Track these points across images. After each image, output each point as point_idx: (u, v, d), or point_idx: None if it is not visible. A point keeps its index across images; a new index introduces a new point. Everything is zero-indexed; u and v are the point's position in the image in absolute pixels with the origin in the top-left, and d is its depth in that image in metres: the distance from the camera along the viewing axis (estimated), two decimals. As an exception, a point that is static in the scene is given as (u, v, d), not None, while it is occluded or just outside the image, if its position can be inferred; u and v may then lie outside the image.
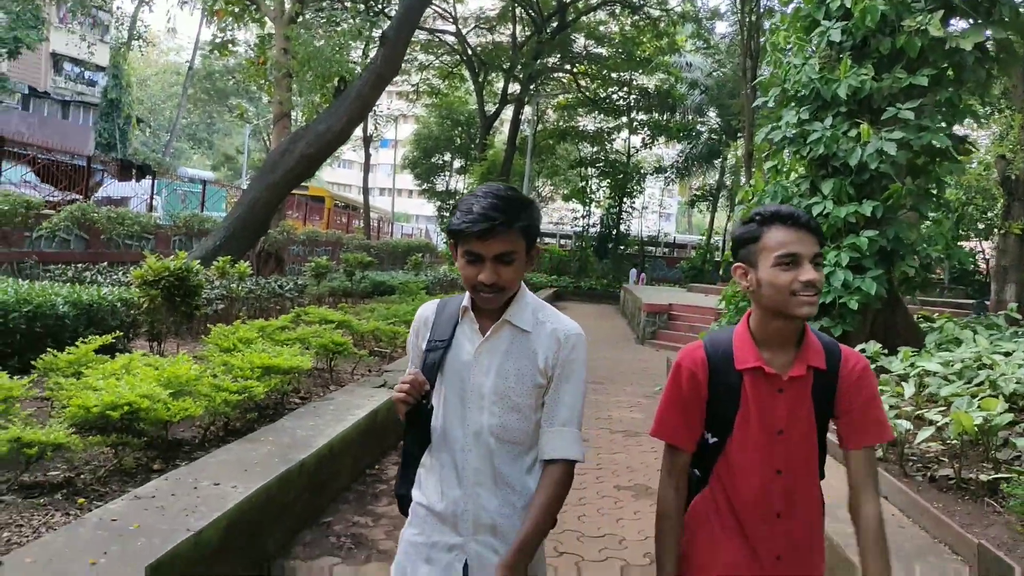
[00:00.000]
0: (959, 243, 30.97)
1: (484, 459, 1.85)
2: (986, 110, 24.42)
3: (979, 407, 4.63)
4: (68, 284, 7.65)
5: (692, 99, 34.65)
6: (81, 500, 3.55)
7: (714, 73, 33.65)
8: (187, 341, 7.87)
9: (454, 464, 1.87)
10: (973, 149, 8.07)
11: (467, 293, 1.92)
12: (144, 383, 4.26)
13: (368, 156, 34.15)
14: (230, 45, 23.55)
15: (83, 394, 3.99)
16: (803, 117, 7.70)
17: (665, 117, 34.75)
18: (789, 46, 8.19)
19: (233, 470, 3.93)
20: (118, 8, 28.63)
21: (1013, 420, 4.99)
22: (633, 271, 33.39)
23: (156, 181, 19.25)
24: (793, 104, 8.02)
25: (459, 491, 1.86)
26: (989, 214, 26.70)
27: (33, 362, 5.08)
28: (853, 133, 7.43)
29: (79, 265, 10.40)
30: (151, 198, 17.89)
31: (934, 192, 7.98)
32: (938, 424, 4.62)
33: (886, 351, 6.99)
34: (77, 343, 5.35)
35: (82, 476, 3.88)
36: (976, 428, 4.34)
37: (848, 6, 7.52)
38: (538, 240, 1.91)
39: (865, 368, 1.85)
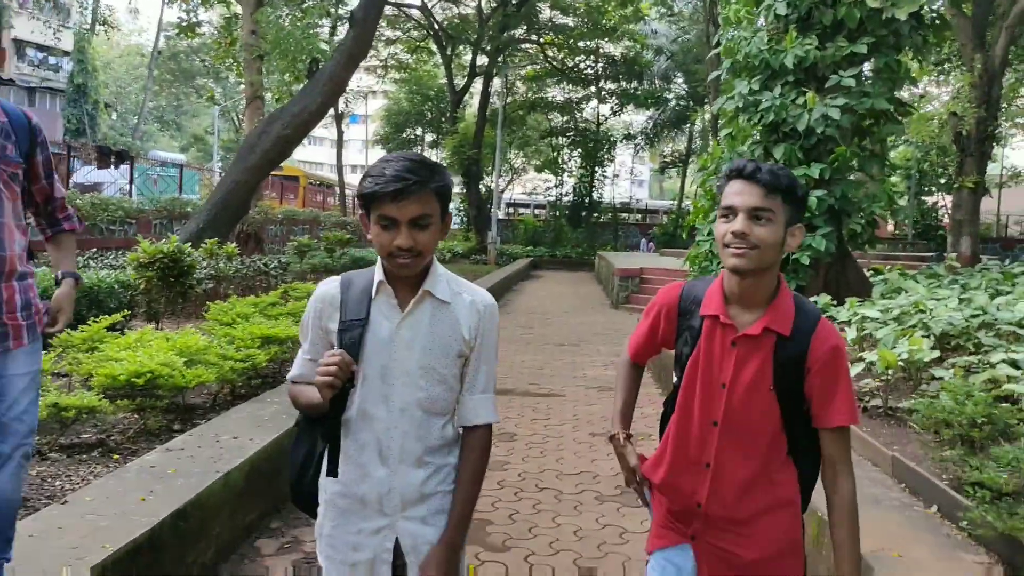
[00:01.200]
0: (922, 198, 31.66)
1: (410, 434, 1.84)
2: (943, 68, 25.11)
3: (907, 345, 5.23)
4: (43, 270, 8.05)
5: (659, 66, 35.09)
6: (116, 456, 4.04)
7: (679, 39, 34.04)
8: (183, 319, 8.31)
9: (377, 444, 1.84)
10: (913, 110, 8.66)
11: (375, 268, 1.88)
12: (160, 354, 4.73)
13: (341, 134, 34.24)
14: (196, 28, 23.63)
15: (108, 364, 4.47)
16: (754, 87, 8.22)
17: (633, 85, 35.16)
18: (739, 21, 8.67)
19: (248, 426, 4.43)
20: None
21: (940, 356, 5.61)
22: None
23: (134, 166, 19.43)
24: (745, 74, 8.53)
25: (384, 470, 1.84)
26: (949, 170, 27.47)
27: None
28: (800, 100, 7.97)
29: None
30: (131, 183, 18.10)
31: (878, 153, 8.56)
32: (868, 361, 5.20)
33: (836, 302, 7.59)
34: (82, 324, 5.79)
35: (112, 437, 4.36)
36: (901, 363, 4.93)
37: (793, -20, 8.03)
38: (450, 206, 1.88)
39: (836, 348, 1.83)
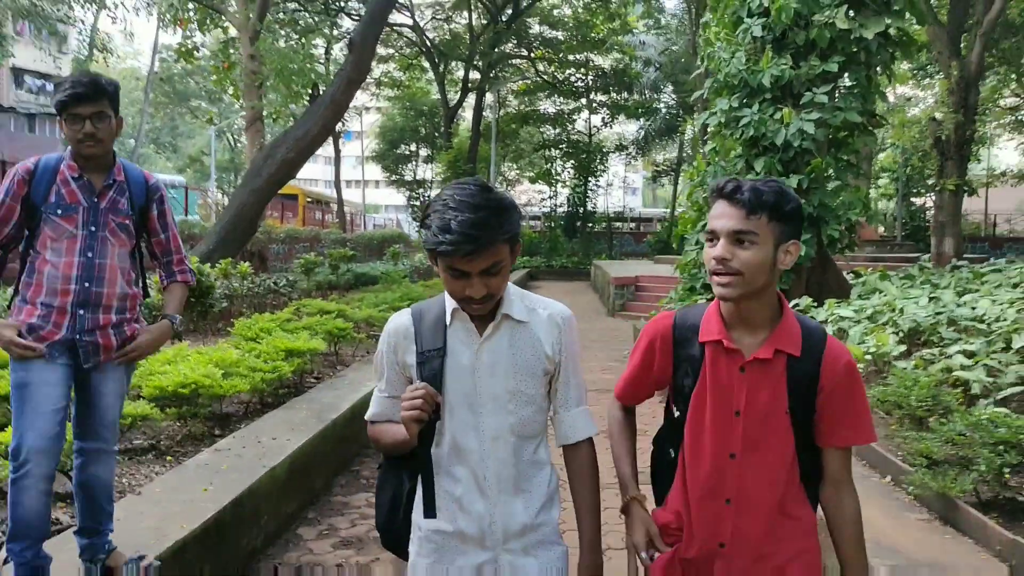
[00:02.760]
0: (911, 199, 32.13)
1: (505, 462, 1.79)
2: (927, 72, 25.73)
3: (875, 341, 5.76)
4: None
5: (648, 77, 35.73)
6: (168, 458, 4.55)
7: (667, 51, 34.71)
8: (204, 336, 8.81)
9: (473, 476, 1.79)
10: (885, 122, 9.21)
11: (445, 295, 1.83)
12: (200, 367, 5.24)
13: (338, 152, 34.82)
14: (195, 52, 24.18)
15: (155, 377, 4.97)
16: (734, 104, 8.78)
17: (623, 96, 35.84)
18: (719, 42, 9.23)
19: (283, 429, 4.94)
20: (80, 21, 28.91)
21: (908, 351, 6.14)
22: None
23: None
24: (726, 92, 9.09)
25: (484, 503, 1.78)
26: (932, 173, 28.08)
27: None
28: (778, 116, 8.52)
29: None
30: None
31: (853, 162, 9.12)
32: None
33: (816, 304, 8.13)
34: None
35: (162, 442, 4.86)
36: (869, 357, 5.45)
37: (766, 4, 8.60)
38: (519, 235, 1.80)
39: (849, 364, 1.76)
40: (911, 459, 3.73)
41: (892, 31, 8.63)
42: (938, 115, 17.98)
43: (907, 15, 8.99)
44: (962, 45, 17.77)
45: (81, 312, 2.76)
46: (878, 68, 8.88)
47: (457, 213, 1.63)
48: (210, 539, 3.41)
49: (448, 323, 1.81)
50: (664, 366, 1.87)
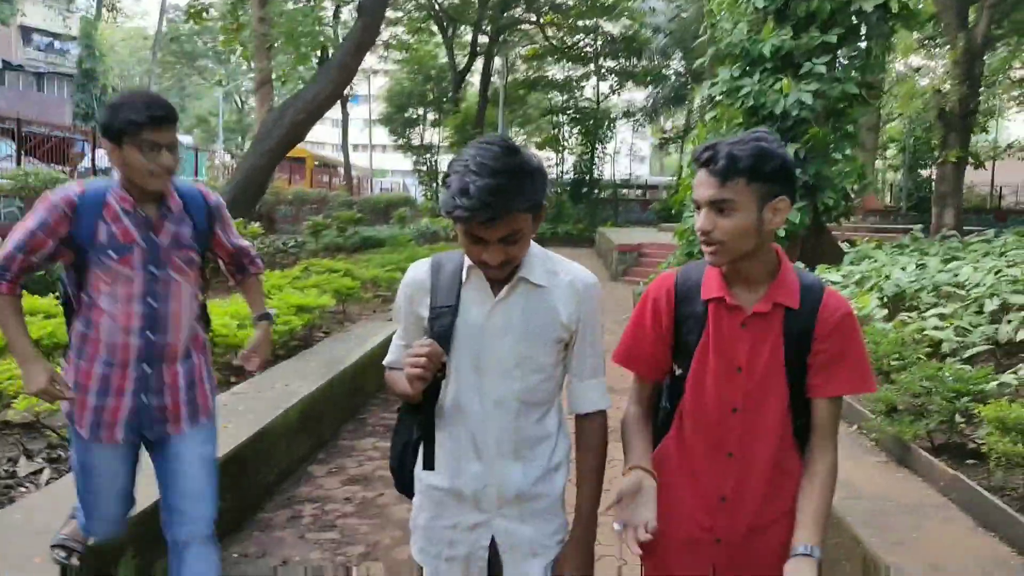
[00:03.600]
0: (919, 171, 32.17)
1: (506, 428, 1.76)
2: (936, 42, 25.63)
3: (856, 303, 6.04)
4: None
5: (657, 43, 35.58)
6: (188, 401, 4.87)
7: (676, 17, 34.52)
8: (216, 292, 9.13)
9: (472, 438, 1.77)
10: (882, 93, 9.39)
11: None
12: (216, 318, 5.54)
13: (346, 115, 34.92)
14: (204, 13, 24.25)
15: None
16: (735, 74, 8.98)
17: (632, 62, 35.74)
18: (723, 12, 9.40)
19: (295, 377, 5.27)
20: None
21: (889, 314, 6.42)
22: None
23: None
24: (728, 62, 9.28)
25: (479, 465, 1.77)
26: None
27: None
28: (777, 86, 8.72)
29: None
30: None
31: (851, 132, 9.33)
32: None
33: (809, 270, 8.40)
34: None
35: (181, 387, 5.19)
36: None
37: (770, -25, 8.75)
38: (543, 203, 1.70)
39: (846, 315, 1.74)
40: (875, 408, 4.03)
41: (893, 4, 8.79)
42: (944, 87, 18.04)
43: (909, -13, 9.13)
44: (971, 16, 17.77)
45: (146, 368, 2.35)
46: (877, 40, 9.05)
47: (477, 177, 1.56)
48: (230, 470, 3.74)
49: (463, 279, 1.77)
50: (668, 324, 1.83)
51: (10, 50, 35.26)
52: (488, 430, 1.75)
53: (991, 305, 5.28)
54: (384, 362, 1.94)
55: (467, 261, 1.74)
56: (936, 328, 5.11)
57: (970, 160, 18.22)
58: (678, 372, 1.83)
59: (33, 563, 2.55)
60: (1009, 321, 5.06)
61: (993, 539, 2.92)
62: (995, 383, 3.81)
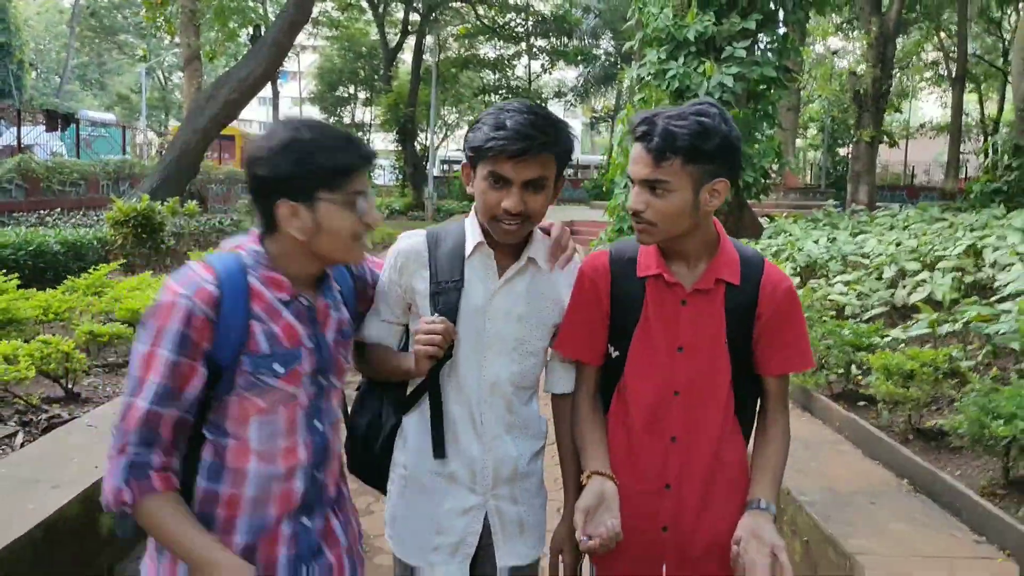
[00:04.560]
0: (837, 150, 33.53)
1: (502, 408, 1.73)
2: (853, 25, 26.69)
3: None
4: (32, 229, 8.85)
5: (588, 24, 36.09)
6: (143, 372, 5.03)
7: (606, -3, 35.06)
8: (156, 271, 9.17)
9: (471, 419, 1.72)
10: (797, 76, 9.97)
11: (466, 225, 1.73)
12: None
13: (276, 93, 34.39)
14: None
15: (126, 300, 5.45)
16: (661, 56, 9.40)
17: (563, 41, 36.15)
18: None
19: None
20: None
21: (801, 282, 6.97)
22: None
23: (79, 129, 19.74)
24: (655, 45, 9.70)
25: (478, 446, 1.73)
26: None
27: (39, 289, 6.43)
28: (701, 69, 9.18)
29: (22, 213, 11.45)
30: (77, 145, 18.45)
31: (770, 113, 9.88)
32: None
33: (731, 243, 8.93)
34: (70, 274, 6.74)
35: (134, 359, 5.35)
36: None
37: (693, -38, 9.19)
38: (569, 160, 1.65)
39: (788, 290, 1.69)
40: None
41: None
42: (859, 69, 18.92)
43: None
44: (884, 1, 18.65)
45: (305, 522, 1.57)
46: (793, 26, 9.60)
47: (514, 114, 1.56)
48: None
49: (467, 255, 1.70)
50: (606, 304, 1.73)
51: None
52: (484, 411, 1.72)
53: (889, 272, 5.84)
54: (362, 337, 1.77)
55: (472, 238, 1.70)
56: (841, 294, 5.64)
57: (884, 139, 19.11)
58: (615, 354, 1.74)
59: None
60: (904, 286, 5.63)
61: (878, 466, 3.40)
62: (887, 339, 4.32)
